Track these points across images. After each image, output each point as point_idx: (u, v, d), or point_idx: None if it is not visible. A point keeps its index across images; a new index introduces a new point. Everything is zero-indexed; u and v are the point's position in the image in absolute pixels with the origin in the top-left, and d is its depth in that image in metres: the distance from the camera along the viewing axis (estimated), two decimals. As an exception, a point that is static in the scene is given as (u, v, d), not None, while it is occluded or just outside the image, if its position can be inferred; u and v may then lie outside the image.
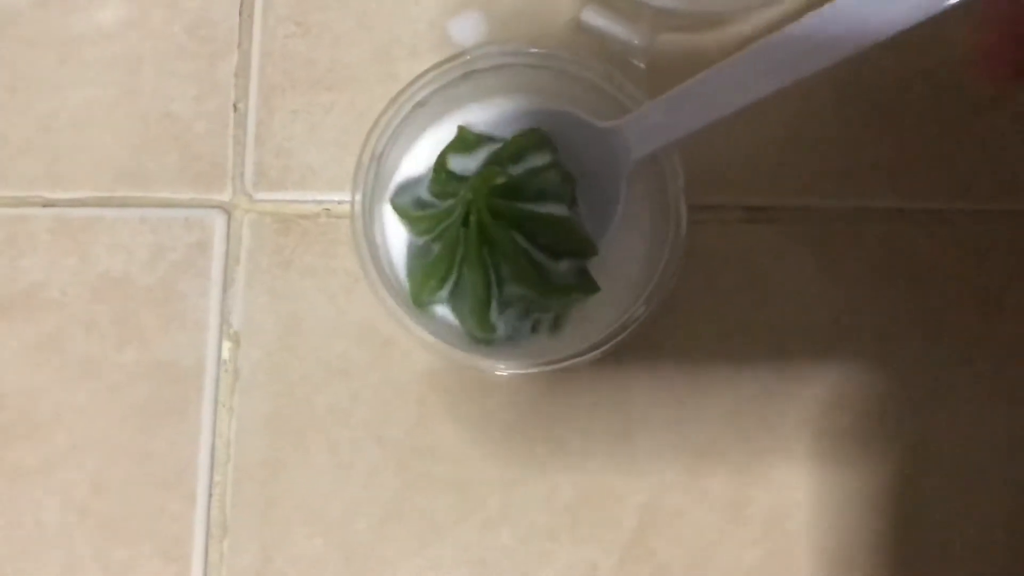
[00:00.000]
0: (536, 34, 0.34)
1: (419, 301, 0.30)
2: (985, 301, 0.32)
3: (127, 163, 0.33)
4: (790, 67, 0.26)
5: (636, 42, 0.32)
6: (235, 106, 0.34)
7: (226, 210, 0.33)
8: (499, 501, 0.32)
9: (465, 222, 0.28)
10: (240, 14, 0.34)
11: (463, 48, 0.33)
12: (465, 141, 0.30)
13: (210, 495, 0.32)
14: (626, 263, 0.30)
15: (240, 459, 0.32)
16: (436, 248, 0.30)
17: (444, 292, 0.30)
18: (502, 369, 0.30)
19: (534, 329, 0.30)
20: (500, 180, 0.28)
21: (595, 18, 0.32)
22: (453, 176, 0.30)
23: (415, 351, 0.32)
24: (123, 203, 0.33)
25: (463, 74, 0.30)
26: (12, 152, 0.34)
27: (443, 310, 0.30)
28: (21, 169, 0.33)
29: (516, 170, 0.30)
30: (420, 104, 0.30)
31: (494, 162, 0.30)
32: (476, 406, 0.32)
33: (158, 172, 0.33)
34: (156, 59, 0.34)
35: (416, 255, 0.30)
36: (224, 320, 0.32)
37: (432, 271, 0.29)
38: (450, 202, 0.29)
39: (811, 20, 0.26)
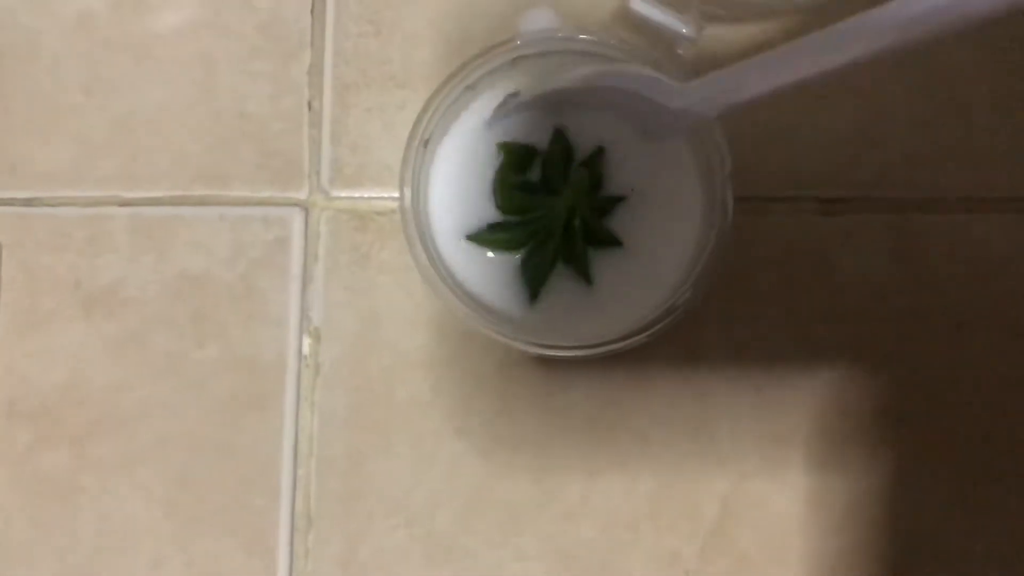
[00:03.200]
0: (599, 24, 0.34)
1: None
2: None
3: (204, 162, 0.34)
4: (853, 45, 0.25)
5: (684, 31, 0.32)
6: (310, 104, 0.34)
7: (304, 207, 0.33)
8: (579, 491, 0.32)
9: (567, 226, 0.30)
10: (312, 13, 0.35)
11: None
12: (514, 157, 0.31)
13: (294, 488, 0.32)
14: (674, 247, 0.31)
15: (323, 452, 0.32)
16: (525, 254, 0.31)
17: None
18: (549, 351, 0.30)
19: None
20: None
21: (644, 6, 0.33)
22: (520, 189, 0.31)
23: (494, 343, 0.32)
24: (201, 201, 0.34)
25: (512, 59, 0.31)
26: (90, 153, 0.34)
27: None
28: (99, 169, 0.34)
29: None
30: (470, 87, 0.31)
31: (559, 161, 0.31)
32: (556, 397, 0.32)
33: (235, 170, 0.34)
34: (230, 59, 0.34)
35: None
36: (304, 316, 0.33)
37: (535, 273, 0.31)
38: (531, 215, 0.31)
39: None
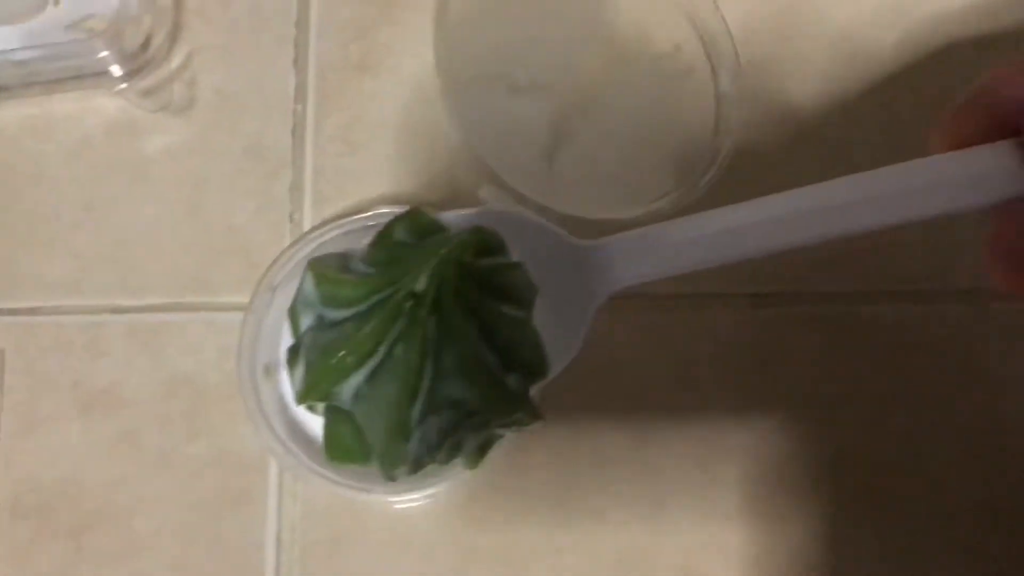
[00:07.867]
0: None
1: (318, 390, 0.24)
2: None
3: (194, 271, 0.37)
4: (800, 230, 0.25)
5: None
6: (291, 217, 0.38)
7: (286, 311, 0.37)
8: (546, 569, 0.35)
9: (413, 295, 0.23)
10: (292, 135, 0.38)
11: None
12: (416, 223, 0.26)
13: (278, 574, 0.35)
14: None
15: (305, 539, 0.35)
16: (356, 325, 0.24)
17: (353, 382, 0.24)
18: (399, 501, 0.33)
19: (451, 455, 0.25)
20: (469, 257, 0.24)
21: (488, 196, 0.36)
22: (403, 245, 0.25)
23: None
24: (191, 308, 0.37)
25: (364, 227, 0.33)
26: (88, 265, 0.37)
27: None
28: (97, 280, 0.37)
29: (481, 263, 0.25)
30: (323, 245, 0.34)
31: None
32: (519, 479, 0.35)
33: (223, 279, 0.37)
34: (218, 177, 0.38)
35: (323, 331, 0.25)
36: (287, 411, 0.36)
37: (352, 347, 0.24)
38: (394, 271, 0.25)
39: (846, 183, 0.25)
